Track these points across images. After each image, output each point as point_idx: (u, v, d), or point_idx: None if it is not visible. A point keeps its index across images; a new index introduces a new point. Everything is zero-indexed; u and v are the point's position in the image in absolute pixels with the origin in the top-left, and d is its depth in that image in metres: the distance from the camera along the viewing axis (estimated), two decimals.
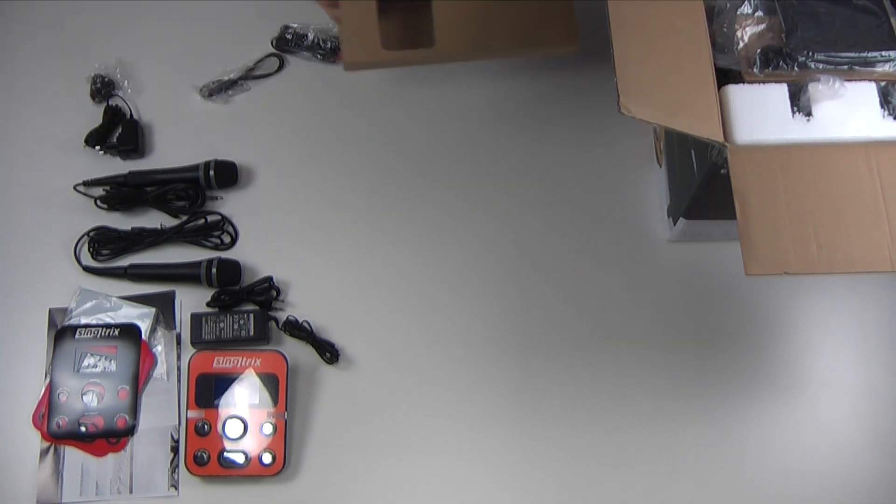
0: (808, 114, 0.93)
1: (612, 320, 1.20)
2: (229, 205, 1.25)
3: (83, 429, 1.12)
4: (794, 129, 0.93)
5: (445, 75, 1.33)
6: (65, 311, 1.18)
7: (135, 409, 1.13)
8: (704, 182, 1.03)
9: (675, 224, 1.19)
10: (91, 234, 1.22)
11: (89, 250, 1.21)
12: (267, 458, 1.10)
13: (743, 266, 0.85)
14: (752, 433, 1.15)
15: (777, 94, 0.94)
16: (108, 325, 1.16)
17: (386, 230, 1.24)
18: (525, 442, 1.14)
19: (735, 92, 0.94)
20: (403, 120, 1.30)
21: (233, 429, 1.11)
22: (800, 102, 0.93)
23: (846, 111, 0.93)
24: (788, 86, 0.94)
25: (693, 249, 1.23)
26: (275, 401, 1.12)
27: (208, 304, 1.18)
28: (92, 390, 1.13)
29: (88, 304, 1.18)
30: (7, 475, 1.11)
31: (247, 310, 1.17)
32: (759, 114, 0.93)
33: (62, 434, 1.12)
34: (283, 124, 1.30)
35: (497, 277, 1.22)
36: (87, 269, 1.20)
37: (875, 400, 1.17)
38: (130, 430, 1.13)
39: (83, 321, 1.17)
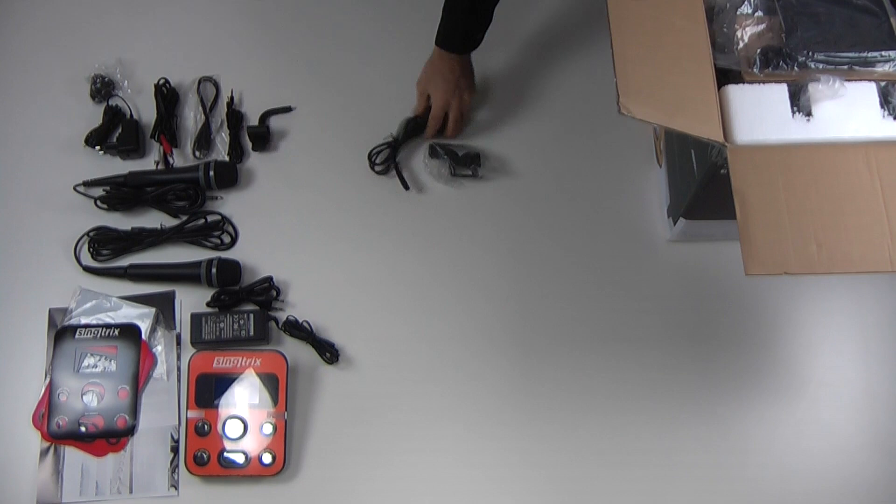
0: (808, 114, 0.93)
1: (612, 320, 1.20)
2: (229, 205, 1.25)
3: (83, 429, 1.12)
4: (795, 129, 0.93)
5: None
6: (65, 311, 1.18)
7: (135, 409, 1.13)
8: (704, 182, 1.03)
9: (675, 224, 1.19)
10: (91, 234, 1.22)
11: (89, 250, 1.21)
12: (267, 458, 1.10)
13: (743, 266, 0.85)
14: (753, 433, 1.15)
15: (777, 94, 0.94)
16: (108, 325, 1.16)
17: (386, 230, 1.24)
18: (525, 442, 1.14)
19: (735, 92, 0.94)
20: (402, 118, 1.30)
21: (233, 429, 1.11)
22: (800, 102, 0.93)
23: (846, 111, 0.93)
24: (788, 86, 0.94)
25: (693, 249, 1.23)
26: (275, 401, 1.12)
27: (208, 304, 1.18)
28: (92, 390, 1.13)
29: (88, 304, 1.18)
30: (7, 475, 1.11)
31: (247, 310, 1.17)
32: (759, 114, 0.93)
33: (62, 434, 1.12)
34: (282, 124, 1.30)
35: (497, 278, 1.22)
36: (87, 269, 1.20)
37: (875, 400, 1.17)
38: (130, 430, 1.13)
39: (83, 321, 1.17)
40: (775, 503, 1.12)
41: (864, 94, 0.94)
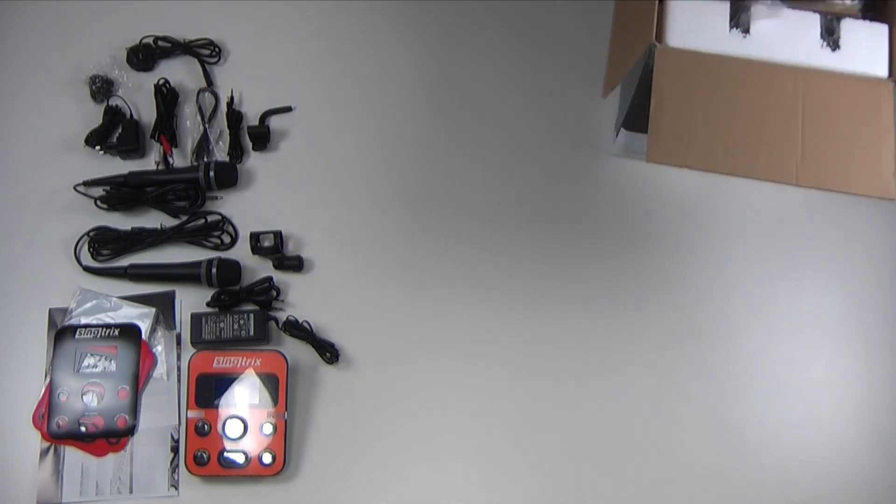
0: (746, 31, 0.94)
1: (613, 320, 1.20)
2: (229, 205, 1.25)
3: (83, 429, 1.12)
4: (729, 44, 0.94)
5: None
6: (65, 311, 1.18)
7: (135, 409, 1.13)
8: (640, 87, 1.03)
9: (616, 137, 1.19)
10: (91, 234, 1.22)
11: (89, 250, 1.21)
12: (267, 458, 1.10)
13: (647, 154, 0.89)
14: (753, 433, 1.15)
15: (718, 8, 0.95)
16: (108, 325, 1.16)
17: (386, 230, 1.24)
18: (525, 441, 1.14)
19: (676, 3, 0.95)
20: (401, 117, 1.30)
21: (233, 429, 1.11)
22: (739, 18, 0.94)
23: (784, 34, 0.94)
24: (731, 2, 0.95)
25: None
26: (275, 401, 1.12)
27: (208, 304, 1.18)
28: (92, 390, 1.13)
29: (88, 304, 1.18)
30: (7, 475, 1.11)
31: (247, 310, 1.17)
32: (697, 24, 0.95)
33: (62, 434, 1.12)
34: (282, 124, 1.30)
35: (497, 278, 1.22)
36: (87, 269, 1.20)
37: (875, 400, 1.17)
38: (130, 430, 1.13)
39: (83, 321, 1.17)
40: (775, 502, 1.12)
41: (806, 23, 0.95)
